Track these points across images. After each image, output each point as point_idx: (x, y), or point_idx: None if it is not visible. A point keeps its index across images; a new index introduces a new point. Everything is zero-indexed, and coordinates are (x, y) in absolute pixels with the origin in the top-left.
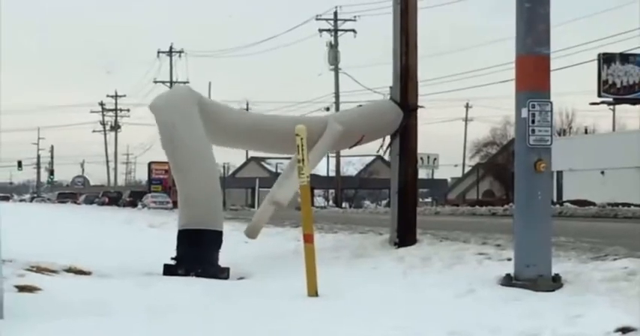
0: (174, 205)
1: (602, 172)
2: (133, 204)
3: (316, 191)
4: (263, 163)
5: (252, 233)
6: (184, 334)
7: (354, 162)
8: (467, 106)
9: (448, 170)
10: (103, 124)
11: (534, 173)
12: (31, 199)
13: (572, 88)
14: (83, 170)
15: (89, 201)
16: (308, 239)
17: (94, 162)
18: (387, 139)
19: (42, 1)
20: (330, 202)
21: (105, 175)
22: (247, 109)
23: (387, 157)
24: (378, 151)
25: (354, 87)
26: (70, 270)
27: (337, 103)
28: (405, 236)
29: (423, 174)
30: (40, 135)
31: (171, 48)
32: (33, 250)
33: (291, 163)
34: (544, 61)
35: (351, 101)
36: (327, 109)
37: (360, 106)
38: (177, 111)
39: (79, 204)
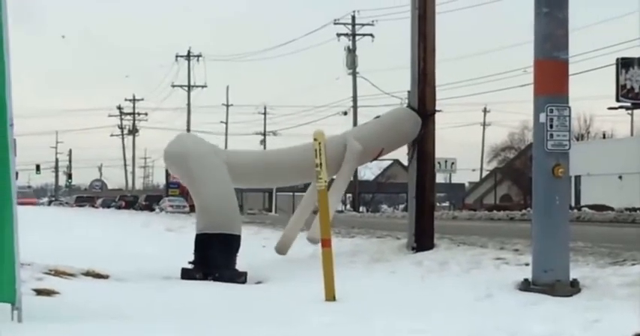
0: (192, 209)
1: (620, 177)
2: (149, 208)
3: None
4: None
5: (282, 250)
6: None
7: (371, 166)
8: (485, 111)
9: (466, 175)
10: (121, 127)
11: (552, 178)
12: (49, 203)
13: (591, 93)
14: (101, 174)
15: (106, 205)
16: (326, 244)
17: (112, 166)
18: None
19: (61, 5)
20: (348, 207)
21: (123, 179)
22: (265, 113)
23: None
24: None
25: (372, 91)
26: (87, 273)
27: (355, 107)
28: (422, 241)
29: (440, 178)
30: (58, 139)
31: (189, 52)
32: (51, 253)
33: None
34: (562, 65)
35: (369, 105)
36: (345, 113)
37: (378, 116)
38: (189, 150)
39: (96, 208)
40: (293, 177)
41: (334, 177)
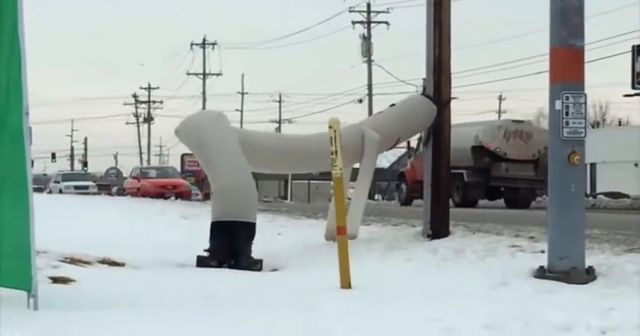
0: (206, 196)
1: (636, 165)
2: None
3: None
4: None
5: (332, 236)
6: (218, 325)
7: (386, 154)
8: (500, 98)
9: None
10: (136, 116)
11: (568, 165)
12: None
13: (606, 80)
14: (116, 162)
15: (120, 192)
16: (341, 231)
17: (128, 154)
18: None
19: None
20: None
21: None
22: (280, 101)
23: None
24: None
25: (387, 79)
26: (103, 261)
27: (370, 95)
28: (438, 228)
29: None
30: (73, 127)
31: (204, 40)
32: (67, 241)
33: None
34: (578, 53)
35: (384, 93)
36: (360, 101)
37: (393, 104)
38: (204, 128)
39: (112, 195)
40: (319, 164)
41: (356, 166)
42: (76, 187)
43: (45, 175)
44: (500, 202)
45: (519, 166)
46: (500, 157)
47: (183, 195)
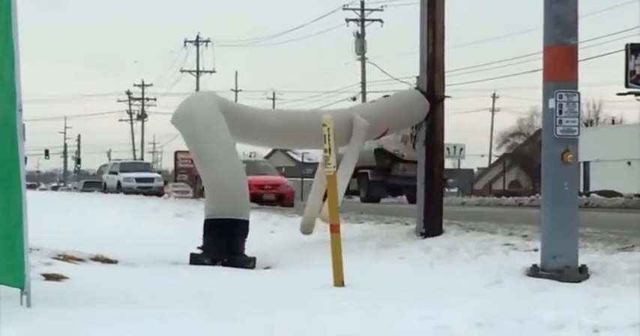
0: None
1: (629, 163)
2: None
3: None
4: (289, 152)
5: (307, 230)
6: (211, 323)
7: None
8: (494, 96)
9: (474, 160)
10: (130, 113)
11: (561, 164)
12: (51, 188)
13: (600, 79)
14: (110, 159)
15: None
16: (334, 229)
17: (121, 151)
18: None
19: None
20: None
21: None
22: (274, 98)
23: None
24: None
25: (381, 77)
26: (96, 259)
27: (364, 93)
28: (431, 226)
29: (449, 164)
30: (67, 124)
31: (198, 37)
32: (60, 238)
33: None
34: (572, 51)
35: (378, 91)
36: (354, 98)
37: (386, 96)
38: (197, 116)
39: (105, 192)
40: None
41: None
42: (139, 180)
43: (38, 172)
44: (493, 200)
45: (415, 167)
46: (398, 158)
47: (284, 199)
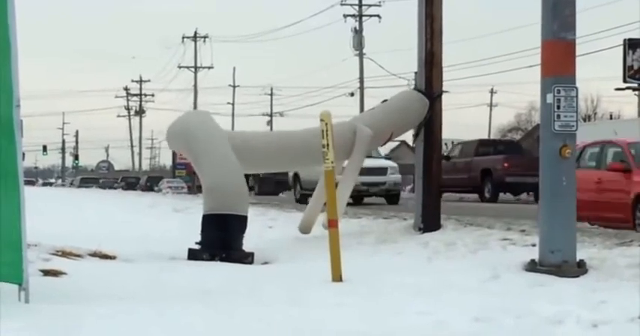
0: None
1: None
2: (150, 188)
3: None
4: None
5: (305, 229)
6: (209, 318)
7: (378, 147)
8: (492, 92)
9: None
10: (128, 108)
11: (559, 159)
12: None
13: (598, 74)
14: (108, 155)
15: (107, 186)
16: (332, 224)
17: (119, 147)
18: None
19: None
20: None
21: (129, 160)
22: (272, 94)
23: (412, 144)
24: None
25: (379, 72)
26: (94, 254)
27: (361, 88)
28: (429, 221)
29: None
30: (65, 120)
31: (195, 33)
32: (58, 234)
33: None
34: (570, 46)
35: (376, 86)
36: (352, 94)
37: (385, 100)
38: (191, 121)
39: (103, 188)
40: (305, 160)
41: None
42: None
43: (36, 168)
44: None
45: None
46: None
47: None
